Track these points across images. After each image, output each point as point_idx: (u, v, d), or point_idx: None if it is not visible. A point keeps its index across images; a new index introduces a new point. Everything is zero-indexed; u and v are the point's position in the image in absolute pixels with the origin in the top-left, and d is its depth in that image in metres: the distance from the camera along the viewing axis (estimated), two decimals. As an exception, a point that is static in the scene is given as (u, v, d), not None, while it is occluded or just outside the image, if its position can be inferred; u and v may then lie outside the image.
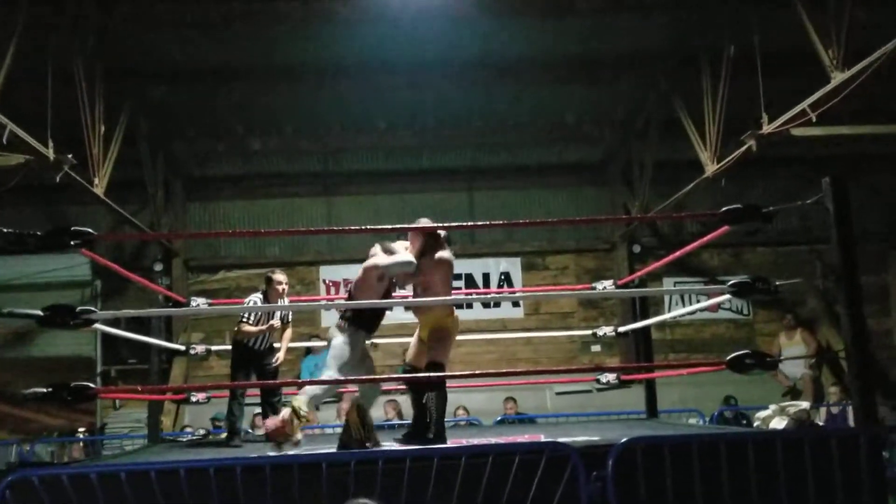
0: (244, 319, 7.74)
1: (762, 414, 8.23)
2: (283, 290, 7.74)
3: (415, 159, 14.13)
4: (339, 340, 6.00)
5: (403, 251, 6.12)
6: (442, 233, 6.28)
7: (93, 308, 5.33)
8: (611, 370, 9.36)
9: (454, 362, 8.58)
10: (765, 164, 11.21)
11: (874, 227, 13.36)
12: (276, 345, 7.96)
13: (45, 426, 12.67)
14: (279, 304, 7.72)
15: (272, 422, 5.91)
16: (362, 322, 6.05)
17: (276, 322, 7.73)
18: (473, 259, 14.28)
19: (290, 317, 8.19)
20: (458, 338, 8.04)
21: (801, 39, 8.62)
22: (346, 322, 6.02)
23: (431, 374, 5.89)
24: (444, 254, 6.14)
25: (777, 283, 5.48)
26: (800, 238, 13.94)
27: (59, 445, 12.13)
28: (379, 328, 6.28)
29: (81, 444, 12.02)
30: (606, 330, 9.35)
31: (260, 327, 7.69)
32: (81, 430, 12.43)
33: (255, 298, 7.81)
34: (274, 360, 7.86)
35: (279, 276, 7.78)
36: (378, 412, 10.76)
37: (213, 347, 10.04)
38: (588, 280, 11.80)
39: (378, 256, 6.13)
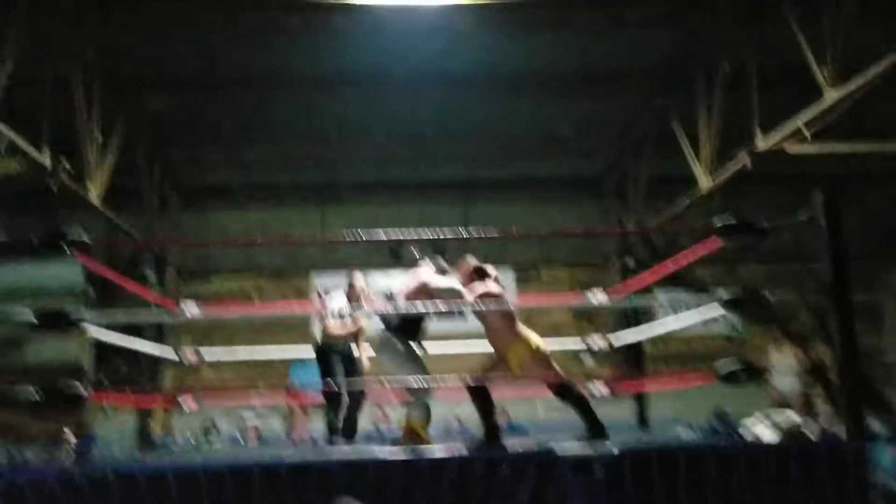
0: (328, 319, 7.90)
1: (751, 425, 8.23)
2: (364, 291, 7.83)
3: (411, 171, 14.14)
4: (390, 353, 6.21)
5: (454, 280, 6.25)
6: (492, 272, 6.49)
7: (85, 313, 5.33)
8: (603, 381, 9.37)
9: (447, 371, 8.58)
10: (759, 179, 11.23)
11: (866, 245, 13.37)
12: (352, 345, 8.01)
13: (35, 433, 12.60)
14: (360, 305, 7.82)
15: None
16: (407, 330, 6.23)
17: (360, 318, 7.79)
18: (468, 271, 14.24)
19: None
20: (451, 350, 8.13)
21: (796, 57, 8.67)
22: (391, 333, 6.22)
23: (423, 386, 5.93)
24: (489, 287, 6.23)
25: (769, 297, 5.51)
26: (792, 254, 13.93)
27: (47, 452, 12.08)
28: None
29: (71, 450, 11.97)
30: (599, 342, 9.35)
31: (347, 330, 7.79)
32: (71, 437, 12.36)
33: (340, 296, 7.90)
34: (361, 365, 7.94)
35: (359, 275, 7.95)
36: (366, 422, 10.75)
37: (205, 355, 10.02)
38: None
39: (430, 273, 6.26)
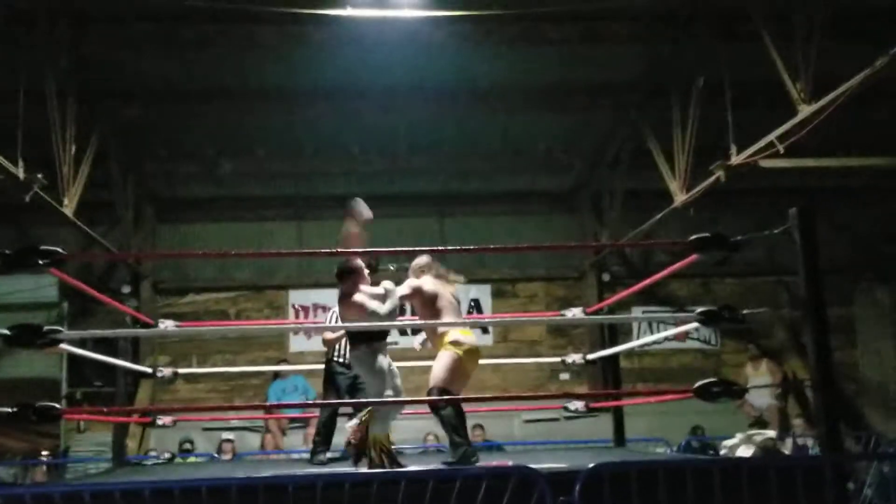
0: (325, 333, 7.88)
1: (729, 442, 8.29)
2: None
3: (387, 185, 14.09)
4: (368, 367, 6.11)
5: (391, 299, 6.18)
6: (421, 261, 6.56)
7: (60, 328, 5.28)
8: (579, 397, 9.38)
9: (421, 388, 8.59)
10: (733, 194, 11.33)
11: (841, 260, 13.47)
12: None
13: (8, 449, 12.50)
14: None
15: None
16: (372, 340, 6.13)
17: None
18: (443, 285, 14.27)
19: None
20: (426, 363, 8.10)
21: (770, 72, 8.75)
22: (359, 346, 6.13)
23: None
24: (420, 283, 6.37)
25: (744, 312, 5.53)
26: (767, 269, 14.05)
27: (21, 468, 11.97)
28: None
29: (44, 467, 11.87)
30: (575, 358, 9.34)
31: (337, 335, 7.69)
32: (45, 453, 12.27)
33: (334, 311, 7.84)
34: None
35: None
36: (339, 438, 10.69)
37: (180, 370, 9.97)
38: (558, 308, 11.82)
39: (364, 296, 6.16)
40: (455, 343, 6.27)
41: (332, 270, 6.35)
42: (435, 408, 6.15)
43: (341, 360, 7.75)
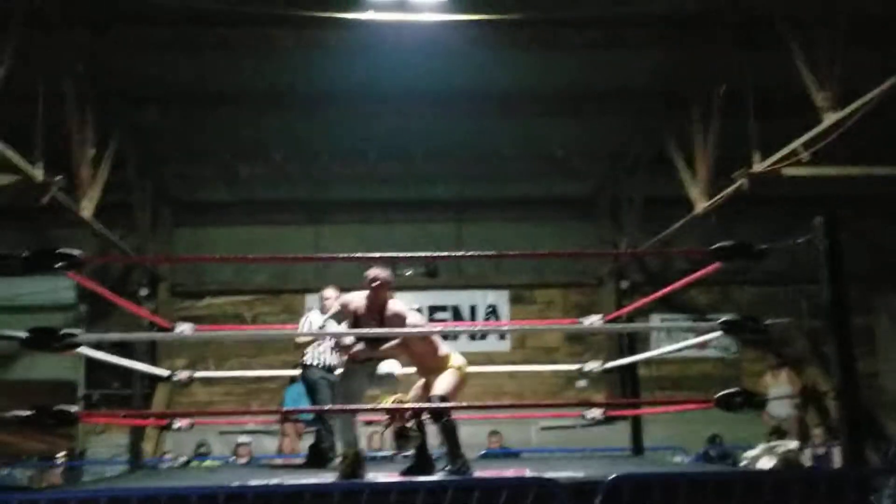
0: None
1: (751, 453, 8.20)
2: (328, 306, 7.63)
3: (403, 189, 14.09)
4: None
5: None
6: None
7: (77, 330, 5.26)
8: (597, 405, 9.31)
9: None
10: (755, 202, 11.21)
11: (861, 269, 13.32)
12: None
13: (25, 450, 12.51)
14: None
15: None
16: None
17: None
18: (461, 291, 14.26)
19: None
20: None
21: (794, 79, 8.67)
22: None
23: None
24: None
25: (766, 321, 5.46)
26: (788, 277, 13.90)
27: (37, 470, 11.97)
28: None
29: (61, 469, 11.87)
30: (593, 366, 9.27)
31: (310, 338, 7.68)
32: (62, 454, 12.27)
33: (312, 312, 7.81)
34: None
35: (329, 290, 7.77)
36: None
37: (197, 374, 9.95)
38: (576, 315, 11.74)
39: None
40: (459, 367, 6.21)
41: (348, 275, 6.32)
42: (439, 416, 6.02)
43: (319, 363, 7.68)
